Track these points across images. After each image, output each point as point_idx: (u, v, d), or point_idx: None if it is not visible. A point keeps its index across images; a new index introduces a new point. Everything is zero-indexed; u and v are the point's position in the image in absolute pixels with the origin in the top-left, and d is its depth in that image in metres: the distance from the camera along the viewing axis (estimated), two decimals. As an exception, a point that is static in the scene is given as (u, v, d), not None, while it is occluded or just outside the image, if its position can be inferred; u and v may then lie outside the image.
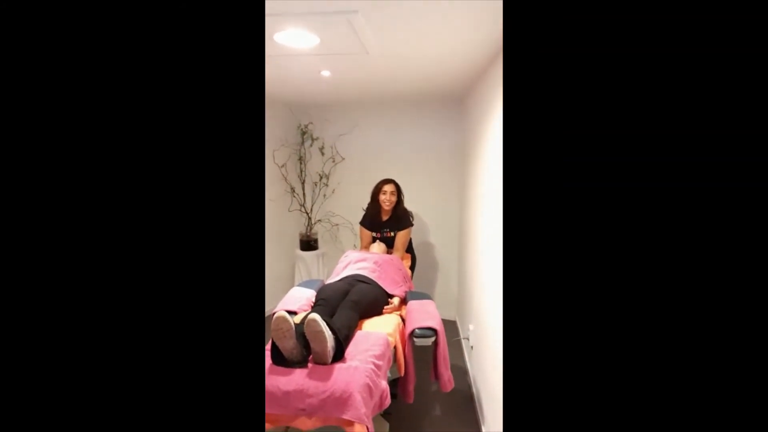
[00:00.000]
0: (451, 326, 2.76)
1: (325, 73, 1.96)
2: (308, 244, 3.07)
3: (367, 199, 2.48)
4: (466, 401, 1.98)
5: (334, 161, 3.10)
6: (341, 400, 1.22)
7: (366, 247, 2.46)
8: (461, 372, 2.24)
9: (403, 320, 1.80)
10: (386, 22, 1.25)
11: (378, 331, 1.60)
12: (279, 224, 2.97)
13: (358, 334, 1.56)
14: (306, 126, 3.03)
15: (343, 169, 3.11)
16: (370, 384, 1.28)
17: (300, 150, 3.08)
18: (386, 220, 2.45)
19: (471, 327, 2.21)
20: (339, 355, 1.37)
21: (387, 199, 2.37)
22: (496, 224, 1.52)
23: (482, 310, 1.84)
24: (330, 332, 1.35)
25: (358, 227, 2.56)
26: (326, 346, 1.32)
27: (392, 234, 2.45)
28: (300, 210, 3.13)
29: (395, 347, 1.62)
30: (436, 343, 1.65)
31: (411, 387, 1.66)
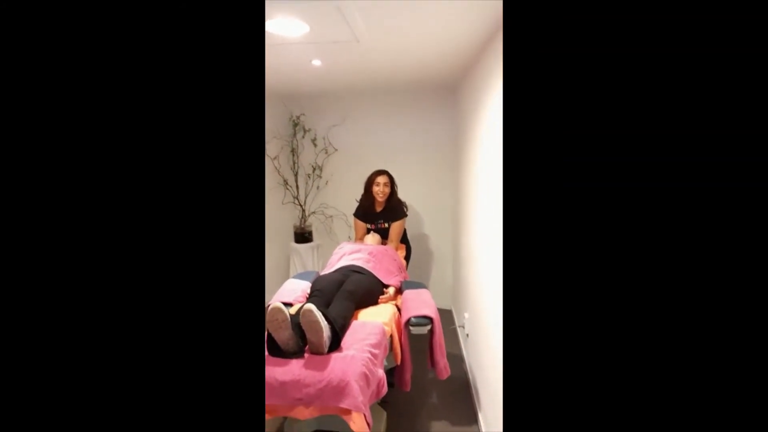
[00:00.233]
0: (446, 315, 2.78)
1: (316, 63, 1.94)
2: (302, 236, 3.06)
3: (361, 190, 2.47)
4: (462, 388, 2.00)
5: (326, 153, 3.08)
6: (338, 389, 1.23)
7: (360, 239, 2.46)
8: (457, 360, 2.26)
9: (399, 310, 1.81)
10: (376, 9, 1.23)
11: (374, 321, 1.60)
12: (273, 217, 2.96)
13: (354, 324, 1.57)
14: (298, 117, 3.00)
15: (336, 161, 3.09)
16: (367, 372, 1.29)
17: (292, 142, 3.05)
18: (380, 212, 2.45)
19: (466, 315, 2.22)
20: (335, 345, 1.38)
21: (380, 191, 2.36)
22: (491, 214, 1.52)
23: (477, 299, 1.85)
24: (326, 322, 1.35)
25: (352, 219, 2.56)
26: (322, 336, 1.32)
27: (386, 225, 2.44)
28: (294, 202, 3.12)
29: (391, 336, 1.63)
30: (431, 331, 1.66)
31: (408, 375, 1.67)
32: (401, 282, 2.03)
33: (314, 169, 3.10)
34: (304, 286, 1.88)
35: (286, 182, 3.05)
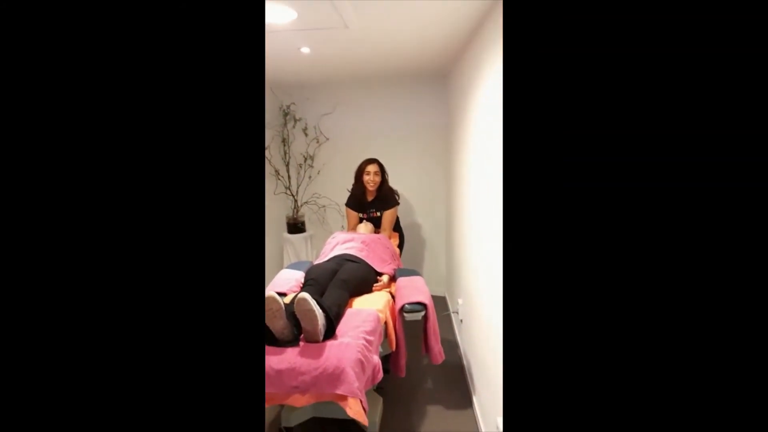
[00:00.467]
0: (440, 302, 2.80)
1: (305, 50, 1.91)
2: (295, 226, 3.05)
3: (354, 180, 2.47)
4: (457, 373, 2.03)
5: (318, 142, 3.06)
6: (334, 376, 1.24)
7: (353, 229, 2.45)
8: (452, 345, 2.29)
9: (393, 297, 1.82)
10: (365, -8, 1.21)
11: (368, 308, 1.61)
12: (265, 208, 2.94)
13: (349, 312, 1.57)
14: (288, 107, 2.97)
15: (328, 150, 3.07)
16: (362, 359, 1.30)
17: (283, 131, 3.02)
18: (372, 201, 2.45)
19: (460, 301, 2.24)
20: (330, 333, 1.39)
21: (371, 180, 2.36)
22: (484, 201, 1.53)
23: (471, 285, 1.87)
24: (320, 310, 1.36)
25: (344, 209, 2.55)
26: (317, 324, 1.33)
27: (378, 214, 2.44)
28: (286, 193, 3.10)
29: (386, 323, 1.64)
30: (425, 317, 1.67)
31: (403, 361, 1.69)
32: (395, 270, 2.04)
33: (306, 159, 3.08)
34: (298, 276, 1.88)
35: (277, 173, 3.03)
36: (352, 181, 2.48)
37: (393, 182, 2.51)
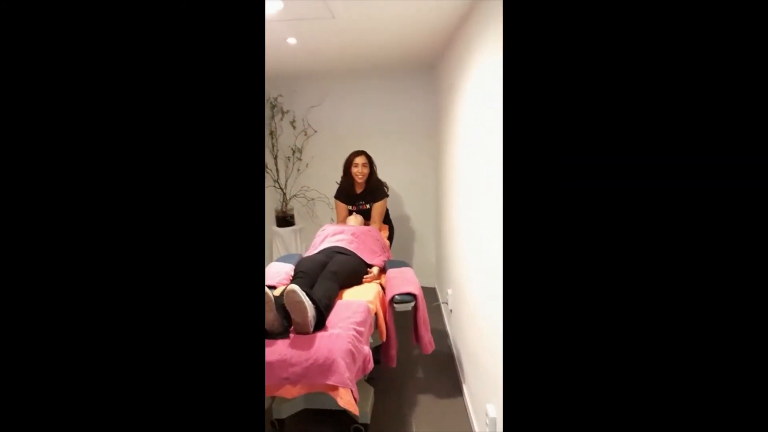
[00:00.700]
0: (430, 292, 2.82)
1: (291, 41, 1.89)
2: (284, 220, 3.04)
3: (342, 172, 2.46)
4: (447, 362, 2.05)
5: (306, 134, 3.04)
6: (325, 367, 1.25)
7: (343, 221, 2.45)
8: (442, 335, 2.31)
9: (383, 288, 1.83)
10: (351, -19, 1.20)
11: (359, 300, 1.62)
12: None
13: (339, 304, 1.58)
14: (275, 99, 2.94)
15: (316, 142, 3.06)
16: (353, 349, 1.31)
17: (270, 124, 2.99)
18: (360, 193, 2.44)
19: (449, 291, 2.26)
20: (320, 325, 1.39)
21: (359, 172, 2.35)
22: (474, 192, 1.54)
23: (461, 275, 1.88)
24: (310, 302, 1.36)
25: (334, 201, 2.55)
26: (307, 315, 1.33)
27: (368, 206, 2.44)
28: (274, 186, 3.08)
29: (376, 314, 1.65)
30: (415, 308, 1.69)
31: (393, 352, 1.70)
32: (385, 261, 2.05)
33: (294, 152, 3.06)
34: (288, 269, 1.87)
35: (266, 166, 3.01)
36: (341, 173, 2.47)
37: (382, 174, 2.51)
